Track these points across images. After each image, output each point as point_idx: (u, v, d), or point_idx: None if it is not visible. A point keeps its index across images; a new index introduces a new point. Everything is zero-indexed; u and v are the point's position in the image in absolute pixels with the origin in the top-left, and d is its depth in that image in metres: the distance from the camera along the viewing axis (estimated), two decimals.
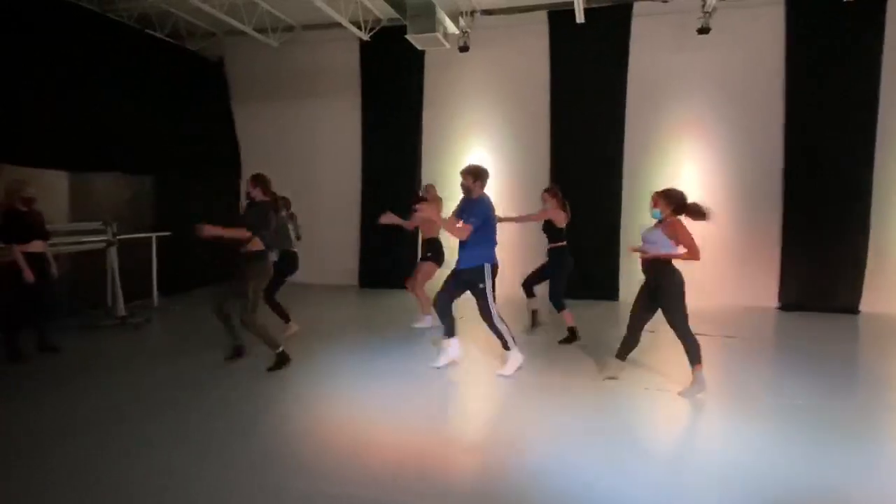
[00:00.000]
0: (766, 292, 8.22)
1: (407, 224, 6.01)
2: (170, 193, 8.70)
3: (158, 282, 8.03)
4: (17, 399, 4.40)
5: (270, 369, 5.03)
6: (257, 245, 4.98)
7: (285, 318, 6.34)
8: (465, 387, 4.94)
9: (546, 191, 6.17)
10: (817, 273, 7.91)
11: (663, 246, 4.47)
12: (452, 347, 5.08)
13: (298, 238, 6.62)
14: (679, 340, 4.49)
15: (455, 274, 4.93)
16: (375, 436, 3.77)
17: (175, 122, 8.93)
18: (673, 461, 3.57)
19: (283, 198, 6.47)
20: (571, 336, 6.04)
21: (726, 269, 8.38)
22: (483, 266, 4.78)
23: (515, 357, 4.98)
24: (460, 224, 4.80)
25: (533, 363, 5.30)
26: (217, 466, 3.29)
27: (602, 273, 8.63)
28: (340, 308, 8.32)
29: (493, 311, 4.81)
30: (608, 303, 8.48)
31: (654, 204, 4.58)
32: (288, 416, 4.19)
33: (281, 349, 5.12)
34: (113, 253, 7.01)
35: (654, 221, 4.58)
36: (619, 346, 4.86)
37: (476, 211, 4.80)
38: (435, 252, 6.62)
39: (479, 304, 4.84)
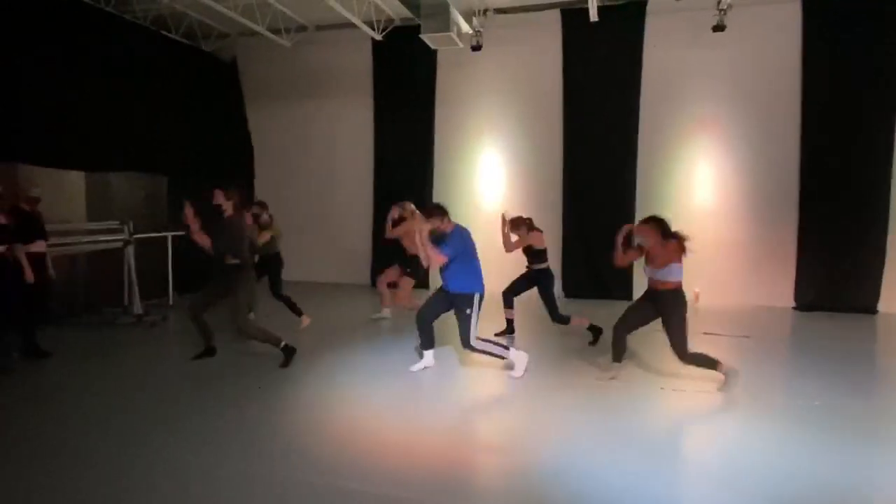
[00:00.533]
0: (782, 292, 8.13)
1: (391, 234, 6.54)
2: (184, 193, 8.77)
3: (174, 280, 8.10)
4: (31, 396, 4.46)
5: (283, 365, 5.08)
6: (233, 260, 5.01)
7: (298, 312, 6.51)
8: (477, 387, 4.93)
9: (514, 220, 6.03)
10: (834, 273, 7.82)
11: (674, 273, 4.47)
12: (428, 357, 5.15)
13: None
14: (680, 361, 4.52)
15: (444, 292, 4.94)
16: (388, 434, 3.78)
17: (189, 123, 9.03)
18: (689, 461, 3.55)
19: (260, 202, 6.74)
20: (595, 332, 5.99)
21: (742, 268, 8.31)
22: (473, 295, 4.82)
23: (519, 357, 4.97)
24: (436, 251, 4.79)
25: (545, 364, 5.29)
26: (232, 461, 3.31)
27: (615, 273, 8.57)
28: (353, 307, 8.35)
29: (472, 336, 4.82)
30: (621, 303, 8.42)
31: (641, 233, 4.54)
32: (302, 413, 4.21)
33: (284, 343, 5.16)
34: (130, 252, 7.08)
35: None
36: (612, 350, 4.87)
37: (450, 242, 4.82)
38: (415, 269, 6.51)
39: (460, 326, 4.83)
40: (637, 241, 4.62)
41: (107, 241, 7.06)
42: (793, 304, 8.09)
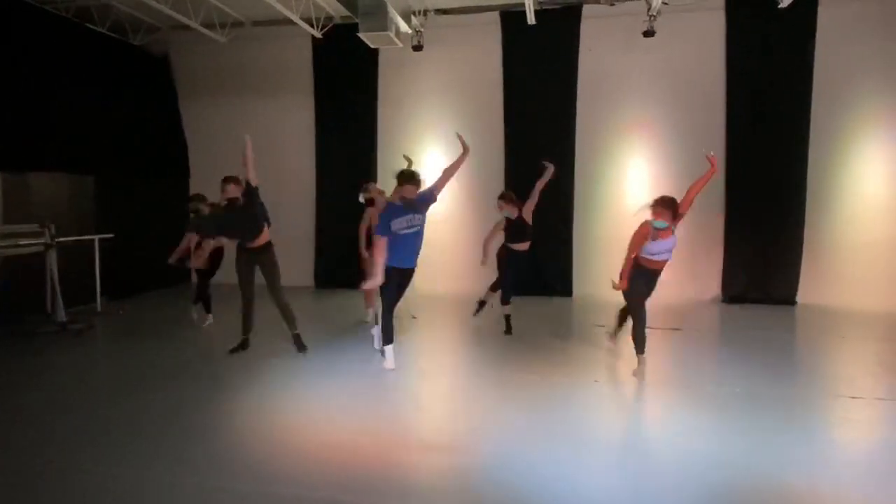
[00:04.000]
0: (710, 286, 8.54)
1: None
2: (113, 194, 8.40)
3: (102, 285, 7.72)
4: None
5: (233, 350, 5.58)
6: (268, 237, 5.65)
7: (208, 309, 6.92)
8: (419, 385, 4.95)
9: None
10: (757, 267, 8.30)
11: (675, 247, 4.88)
12: (391, 356, 5.10)
13: None
14: (634, 328, 4.94)
15: (402, 273, 5.01)
16: (331, 436, 3.74)
17: (118, 120, 8.61)
18: (621, 451, 3.69)
19: (199, 195, 6.94)
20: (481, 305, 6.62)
21: (673, 263, 8.61)
22: None
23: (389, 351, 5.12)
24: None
25: (481, 360, 5.37)
26: (168, 470, 3.20)
27: (555, 270, 8.81)
28: (296, 310, 8.18)
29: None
30: (562, 299, 8.67)
31: (657, 215, 4.69)
32: (243, 418, 4.10)
33: (247, 338, 5.70)
34: (52, 256, 6.71)
35: (659, 231, 4.76)
36: (632, 338, 5.01)
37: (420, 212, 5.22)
38: None
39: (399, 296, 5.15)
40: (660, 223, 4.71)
41: (26, 246, 6.66)
42: (720, 296, 8.53)
